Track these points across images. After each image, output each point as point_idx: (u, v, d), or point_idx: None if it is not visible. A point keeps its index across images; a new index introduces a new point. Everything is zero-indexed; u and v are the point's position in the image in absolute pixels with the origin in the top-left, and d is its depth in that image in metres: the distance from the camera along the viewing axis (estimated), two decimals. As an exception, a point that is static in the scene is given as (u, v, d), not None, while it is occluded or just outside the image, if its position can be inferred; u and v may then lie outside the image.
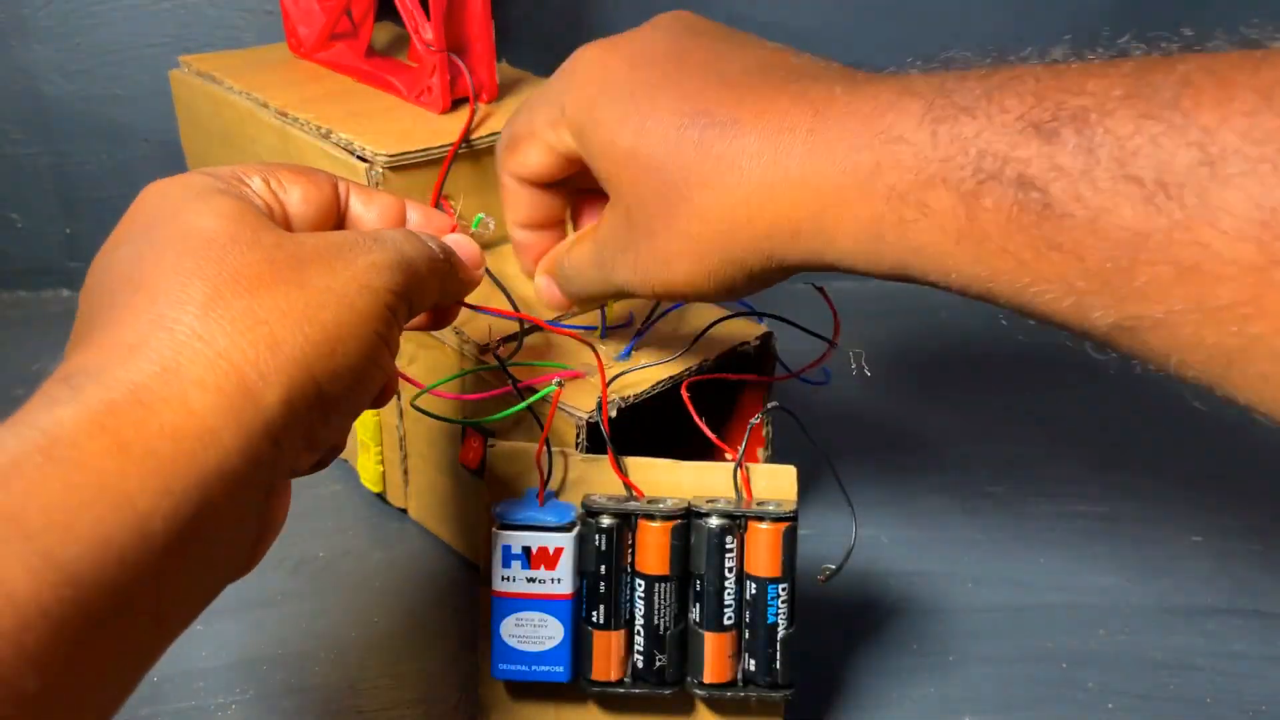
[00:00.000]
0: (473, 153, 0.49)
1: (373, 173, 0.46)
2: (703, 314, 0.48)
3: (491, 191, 0.51)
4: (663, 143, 0.33)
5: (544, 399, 0.40)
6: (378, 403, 0.32)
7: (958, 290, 0.29)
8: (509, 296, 0.45)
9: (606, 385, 0.41)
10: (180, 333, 0.24)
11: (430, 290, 0.32)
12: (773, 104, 0.31)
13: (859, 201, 0.29)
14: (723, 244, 0.32)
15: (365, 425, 0.52)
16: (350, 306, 0.27)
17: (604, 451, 0.39)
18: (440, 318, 0.37)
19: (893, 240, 0.29)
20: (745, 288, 0.34)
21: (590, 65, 0.36)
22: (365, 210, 0.34)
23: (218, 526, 0.24)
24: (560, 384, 0.40)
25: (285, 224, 0.32)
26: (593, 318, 0.46)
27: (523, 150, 0.38)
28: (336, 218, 0.34)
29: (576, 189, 0.41)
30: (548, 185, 0.40)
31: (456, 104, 0.51)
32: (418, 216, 0.36)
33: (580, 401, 0.41)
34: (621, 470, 0.39)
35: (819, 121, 0.30)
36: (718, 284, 0.34)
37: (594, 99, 0.35)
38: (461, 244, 0.36)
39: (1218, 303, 0.24)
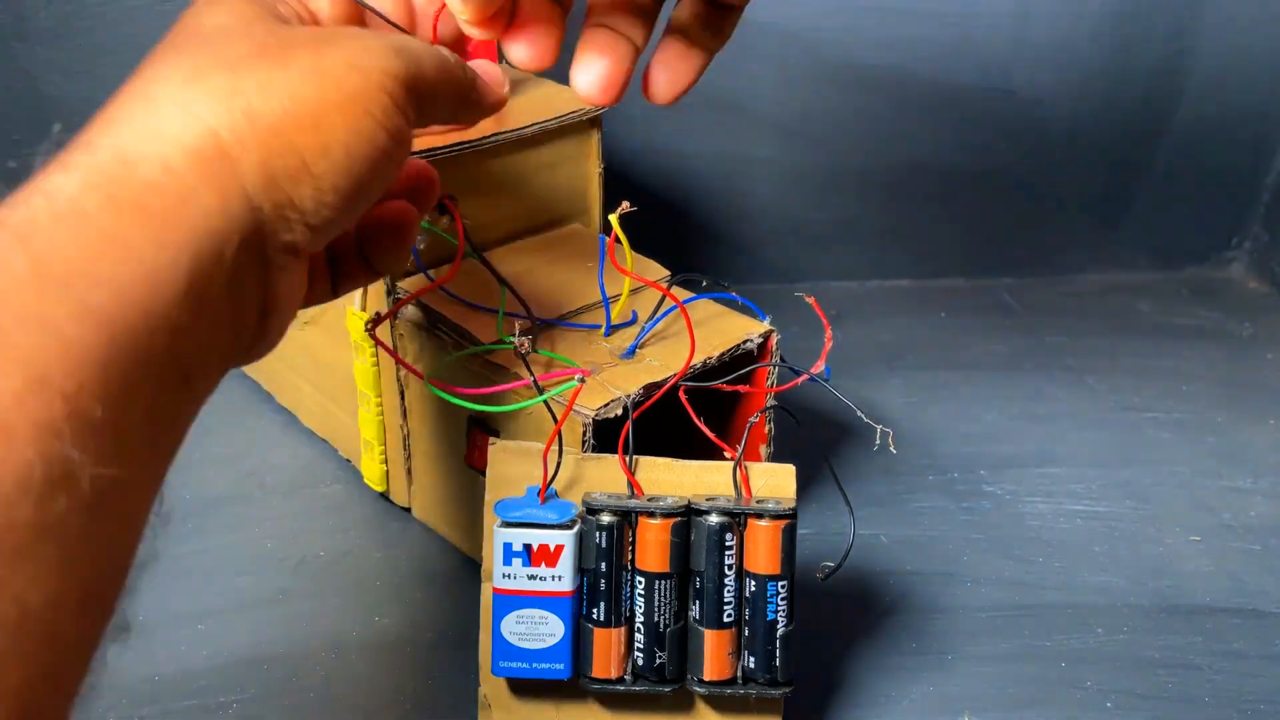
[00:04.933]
0: (476, 153, 0.49)
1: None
2: (707, 312, 0.48)
3: (494, 192, 0.51)
4: None
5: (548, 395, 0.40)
6: (417, 205, 0.34)
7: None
8: (517, 295, 0.45)
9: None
10: (161, 101, 0.26)
11: (444, 94, 0.32)
12: None
13: None
14: None
15: (368, 424, 0.52)
16: (336, 84, 0.28)
17: (607, 450, 0.39)
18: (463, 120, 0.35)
19: None
20: None
21: None
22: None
23: (218, 287, 0.25)
24: (582, 380, 0.40)
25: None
26: (597, 316, 0.47)
27: None
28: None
29: None
30: None
31: (458, 104, 0.51)
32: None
33: (586, 400, 0.42)
34: (630, 468, 0.39)
35: None
36: None
37: None
38: (483, 66, 0.35)
39: None
